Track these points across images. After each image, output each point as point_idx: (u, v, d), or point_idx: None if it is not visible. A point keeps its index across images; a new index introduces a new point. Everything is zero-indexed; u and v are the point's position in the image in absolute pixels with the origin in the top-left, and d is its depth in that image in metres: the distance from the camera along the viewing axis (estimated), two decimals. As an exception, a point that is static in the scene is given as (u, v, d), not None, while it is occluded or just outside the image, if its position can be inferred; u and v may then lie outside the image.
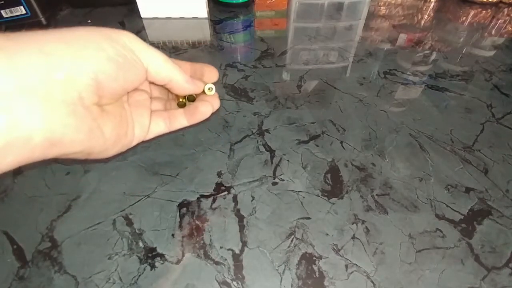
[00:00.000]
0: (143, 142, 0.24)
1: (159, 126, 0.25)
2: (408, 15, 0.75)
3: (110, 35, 0.18)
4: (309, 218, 0.33)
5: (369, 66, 0.56)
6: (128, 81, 0.19)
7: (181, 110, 0.26)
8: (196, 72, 0.27)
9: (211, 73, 0.28)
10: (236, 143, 0.41)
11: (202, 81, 0.26)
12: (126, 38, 0.18)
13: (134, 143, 0.23)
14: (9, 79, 0.13)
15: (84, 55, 0.16)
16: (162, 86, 0.24)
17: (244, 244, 0.31)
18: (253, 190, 0.35)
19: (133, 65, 0.19)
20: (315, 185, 0.36)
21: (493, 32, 0.69)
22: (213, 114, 0.26)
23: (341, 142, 0.41)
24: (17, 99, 0.14)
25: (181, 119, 0.25)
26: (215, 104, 0.27)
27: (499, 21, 0.74)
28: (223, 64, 0.55)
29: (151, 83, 0.25)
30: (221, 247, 0.30)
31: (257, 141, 0.41)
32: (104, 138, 0.19)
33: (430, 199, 0.35)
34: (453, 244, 0.31)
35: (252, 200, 0.34)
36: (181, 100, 0.26)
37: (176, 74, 0.22)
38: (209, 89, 0.26)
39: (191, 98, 0.26)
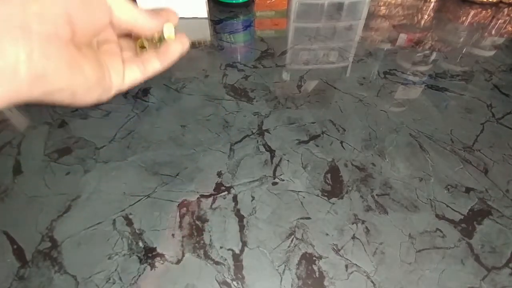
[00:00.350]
0: (120, 91, 0.24)
1: (134, 72, 0.25)
2: (408, 15, 0.75)
3: None
4: (309, 218, 0.33)
5: (369, 66, 0.56)
6: (95, 17, 0.19)
7: (152, 53, 0.25)
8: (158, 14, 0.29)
9: (171, 14, 0.30)
10: (236, 143, 0.41)
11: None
12: None
13: (113, 91, 0.23)
14: None
15: None
16: (125, 30, 0.24)
17: (244, 244, 0.31)
18: (253, 190, 0.35)
19: (100, 3, 0.19)
20: (315, 185, 0.36)
21: (493, 32, 0.69)
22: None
23: (341, 142, 0.41)
24: (1, 31, 0.14)
25: (154, 62, 0.25)
26: (184, 42, 0.26)
27: (499, 21, 0.74)
28: (223, 64, 0.55)
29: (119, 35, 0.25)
30: (221, 247, 0.30)
31: (257, 141, 0.41)
32: (85, 77, 0.19)
33: (430, 199, 0.35)
34: (453, 244, 0.31)
35: (252, 200, 0.34)
36: (141, 44, 0.26)
37: (140, 15, 0.22)
38: (167, 32, 0.25)
39: (159, 43, 0.26)
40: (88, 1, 0.18)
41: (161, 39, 0.26)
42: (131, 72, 0.24)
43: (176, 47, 0.25)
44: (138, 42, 0.26)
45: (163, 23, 0.24)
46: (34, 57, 0.15)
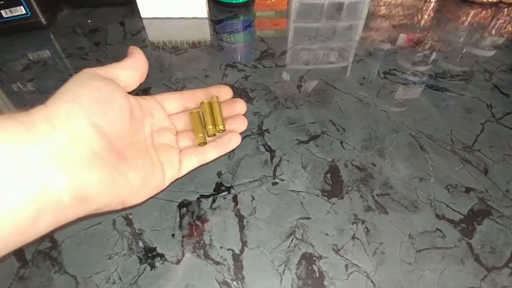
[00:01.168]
0: (178, 179, 0.25)
1: (192, 163, 0.26)
2: (408, 15, 0.75)
3: (80, 78, 0.19)
4: (309, 218, 0.33)
5: (369, 66, 0.56)
6: (118, 110, 0.19)
7: (211, 144, 0.27)
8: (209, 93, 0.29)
9: (224, 91, 0.30)
10: (236, 143, 0.41)
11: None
12: (91, 71, 0.20)
13: (167, 182, 0.24)
14: (34, 149, 0.15)
15: (73, 108, 0.17)
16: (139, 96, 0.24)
17: (244, 244, 0.31)
18: (253, 190, 0.35)
19: (113, 93, 0.19)
20: (315, 185, 0.36)
21: (493, 32, 0.69)
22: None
23: (341, 142, 0.41)
24: (42, 165, 0.15)
25: (212, 153, 0.27)
26: (241, 127, 0.28)
27: (499, 21, 0.74)
28: (223, 64, 0.55)
29: (169, 115, 0.27)
30: (221, 247, 0.30)
31: (257, 141, 0.41)
32: (130, 184, 0.19)
33: (430, 199, 0.35)
34: (453, 244, 0.31)
35: (252, 200, 0.34)
36: (202, 141, 0.27)
37: (116, 68, 0.22)
38: (221, 129, 0.28)
39: (211, 136, 0.28)
40: (104, 99, 0.19)
41: (221, 129, 0.28)
42: (189, 163, 0.26)
43: (236, 139, 0.27)
44: (199, 138, 0.27)
45: (142, 60, 0.24)
46: (76, 185, 0.16)
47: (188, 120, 0.29)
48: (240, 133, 0.29)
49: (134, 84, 0.23)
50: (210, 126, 0.28)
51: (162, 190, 0.24)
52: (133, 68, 0.22)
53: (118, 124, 0.19)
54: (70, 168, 0.16)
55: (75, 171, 0.16)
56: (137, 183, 0.20)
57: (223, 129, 0.28)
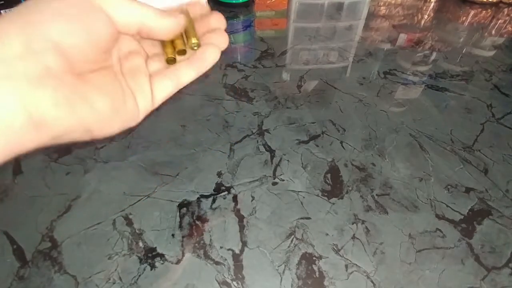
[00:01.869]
0: (155, 110, 0.22)
1: (166, 87, 0.22)
2: (408, 15, 0.75)
3: None
4: (309, 218, 0.33)
5: (369, 66, 0.56)
6: (92, 34, 0.17)
7: (184, 62, 0.22)
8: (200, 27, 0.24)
9: (218, 21, 0.24)
10: (236, 143, 0.41)
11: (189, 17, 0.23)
12: None
13: (142, 115, 0.21)
14: None
15: (31, 20, 0.15)
16: (141, 36, 0.21)
17: (244, 244, 0.31)
18: (253, 190, 0.35)
19: (92, 15, 0.17)
20: (315, 185, 0.36)
21: (493, 32, 0.69)
22: (223, 52, 0.22)
23: (341, 142, 0.41)
24: None
25: (188, 71, 0.22)
26: (222, 42, 0.23)
27: (499, 21, 0.74)
28: (223, 64, 0.55)
29: (139, 38, 0.22)
30: (221, 247, 0.30)
31: (257, 141, 0.41)
32: (96, 111, 0.17)
33: (430, 199, 0.35)
34: (453, 244, 0.31)
35: (252, 200, 0.34)
36: (169, 56, 0.22)
37: (145, 11, 0.19)
38: (194, 43, 0.22)
39: (181, 52, 0.22)
40: (77, 17, 0.16)
41: (194, 44, 0.22)
42: (163, 88, 0.22)
43: (213, 52, 0.22)
44: (167, 58, 0.22)
45: (182, 20, 0.21)
46: (27, 106, 0.14)
47: (159, 43, 0.24)
48: (222, 51, 0.24)
49: (125, 30, 0.19)
50: (179, 41, 0.23)
51: (138, 124, 0.21)
52: (139, 16, 0.19)
53: (86, 47, 0.17)
54: (19, 86, 0.14)
55: (26, 90, 0.14)
56: (104, 110, 0.17)
57: (196, 42, 0.23)
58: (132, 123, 0.20)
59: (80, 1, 0.17)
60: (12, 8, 0.59)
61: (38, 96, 0.14)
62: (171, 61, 0.23)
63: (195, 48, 0.23)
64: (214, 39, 0.23)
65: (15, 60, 0.14)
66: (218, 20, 0.25)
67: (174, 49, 0.23)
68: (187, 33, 0.23)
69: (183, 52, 0.23)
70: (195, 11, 0.25)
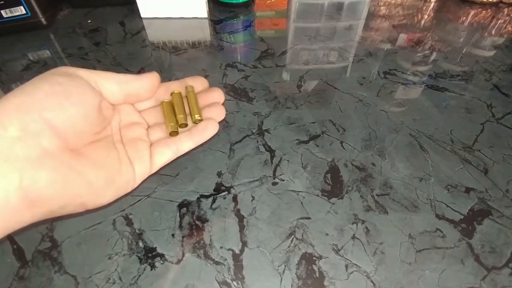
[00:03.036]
0: (152, 175, 0.23)
1: (165, 155, 0.24)
2: (408, 15, 0.75)
3: (46, 73, 0.18)
4: (309, 218, 0.33)
5: (369, 66, 0.56)
6: (81, 107, 0.18)
7: (185, 133, 0.25)
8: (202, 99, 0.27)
9: (198, 81, 0.28)
10: (236, 143, 0.41)
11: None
12: (65, 69, 0.18)
13: (138, 180, 0.22)
14: None
15: (26, 102, 0.16)
16: (128, 103, 0.23)
17: (244, 244, 0.31)
18: (253, 190, 0.35)
19: (78, 88, 0.18)
20: (315, 185, 0.36)
21: (493, 32, 0.69)
22: (219, 130, 0.25)
23: (341, 142, 0.41)
24: None
25: (188, 142, 0.25)
26: (220, 116, 0.26)
27: (499, 21, 0.74)
28: (223, 64, 0.55)
29: (139, 110, 0.24)
30: (221, 247, 0.30)
31: (257, 141, 0.41)
32: (89, 184, 0.17)
33: (430, 199, 0.35)
34: (453, 244, 0.31)
35: (252, 200, 0.34)
36: (173, 130, 0.25)
37: (123, 80, 0.21)
38: (197, 119, 0.25)
39: (183, 125, 0.25)
40: (64, 93, 0.17)
41: (197, 119, 0.25)
42: (162, 156, 0.24)
43: (211, 127, 0.25)
44: (170, 127, 0.24)
45: (154, 77, 0.23)
46: (24, 185, 0.15)
47: (159, 113, 0.26)
48: (219, 123, 0.26)
49: (114, 100, 0.21)
50: (182, 115, 0.25)
51: (135, 189, 0.22)
52: (119, 83, 0.20)
53: (79, 121, 0.17)
54: (18, 167, 0.14)
55: (24, 171, 0.15)
56: (98, 182, 0.18)
57: (199, 118, 0.25)
58: (128, 189, 0.21)
59: (67, 80, 0.18)
60: (12, 8, 0.59)
61: (36, 176, 0.15)
62: (174, 134, 0.25)
63: (197, 122, 0.25)
64: (214, 113, 0.26)
65: (13, 142, 0.15)
66: (218, 95, 0.27)
67: (177, 122, 0.25)
68: (191, 107, 0.26)
69: (185, 126, 0.25)
70: (197, 86, 0.27)
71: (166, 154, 0.24)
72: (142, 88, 0.22)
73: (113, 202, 0.20)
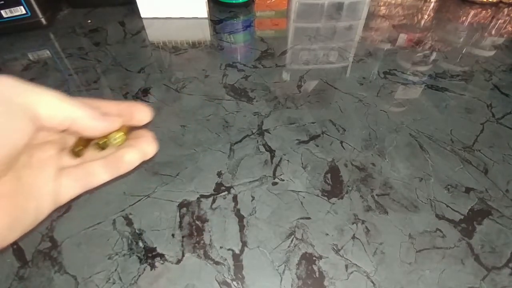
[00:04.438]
0: (59, 208, 0.19)
1: (72, 188, 0.19)
2: (408, 15, 0.75)
3: None
4: (309, 218, 0.33)
5: (369, 66, 0.56)
6: (7, 138, 0.15)
7: (99, 161, 0.20)
8: (122, 113, 0.21)
9: (142, 114, 0.21)
10: (236, 143, 0.41)
11: (125, 120, 0.20)
12: (7, 89, 0.15)
13: (45, 214, 0.18)
14: None
15: None
16: (67, 131, 0.18)
17: (244, 244, 0.31)
18: (253, 190, 0.35)
19: (9, 114, 0.15)
20: (315, 185, 0.36)
21: (493, 32, 0.69)
22: (145, 162, 0.20)
23: (341, 142, 0.41)
24: None
25: (100, 174, 0.20)
26: (148, 148, 0.20)
27: (499, 21, 0.74)
28: (223, 64, 0.55)
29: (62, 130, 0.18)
30: (221, 247, 0.30)
31: (257, 141, 0.41)
32: None
33: (430, 199, 0.35)
34: (453, 244, 0.31)
35: (252, 200, 0.34)
36: (75, 148, 0.19)
37: (77, 111, 0.17)
38: (115, 139, 0.19)
39: (104, 145, 0.20)
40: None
41: (106, 144, 0.19)
42: (69, 188, 0.19)
43: (132, 157, 0.20)
44: (72, 149, 0.19)
45: (117, 125, 0.19)
46: None
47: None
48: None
49: (58, 128, 0.17)
50: (97, 141, 0.20)
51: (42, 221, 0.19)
52: (73, 115, 0.17)
53: (4, 151, 0.14)
54: None
55: None
56: (2, 228, 0.15)
57: (119, 141, 0.20)
58: (33, 224, 0.18)
59: (5, 110, 0.14)
60: (12, 8, 0.58)
61: None
62: (79, 153, 0.20)
63: (115, 142, 0.20)
64: (140, 144, 0.20)
65: None
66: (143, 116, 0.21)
67: (87, 142, 0.20)
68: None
69: (101, 149, 0.20)
70: (135, 120, 0.21)
71: (72, 187, 0.19)
72: (93, 130, 0.18)
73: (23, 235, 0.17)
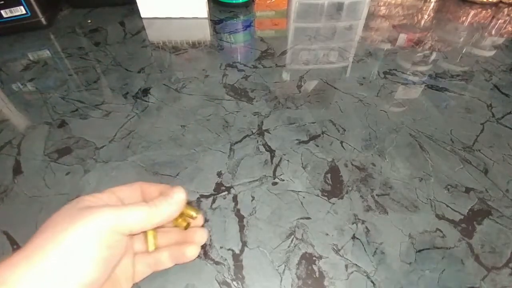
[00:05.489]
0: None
1: (144, 273, 0.24)
2: (408, 15, 0.75)
3: (89, 227, 0.18)
4: (309, 218, 0.33)
5: (369, 66, 0.56)
6: (115, 262, 0.19)
7: (166, 252, 0.24)
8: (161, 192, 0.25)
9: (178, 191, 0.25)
10: (236, 143, 0.41)
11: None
12: (109, 218, 0.18)
13: None
14: None
15: (66, 269, 0.17)
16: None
17: (244, 244, 0.31)
18: (253, 190, 0.35)
19: (118, 246, 0.19)
20: (315, 185, 0.36)
21: (493, 32, 0.69)
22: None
23: (341, 142, 0.41)
24: None
25: (166, 263, 0.24)
26: (202, 239, 0.25)
27: (499, 21, 0.74)
28: (223, 64, 0.55)
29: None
30: (221, 247, 0.30)
31: (257, 141, 0.41)
32: None
33: (430, 199, 0.35)
34: (453, 244, 0.31)
35: (252, 200, 0.34)
36: (183, 224, 0.25)
37: (158, 217, 0.21)
38: (192, 213, 0.25)
39: (186, 226, 0.25)
40: (108, 258, 0.18)
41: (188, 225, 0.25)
42: (142, 272, 0.24)
43: (192, 252, 0.24)
44: (149, 239, 0.24)
45: (178, 206, 0.22)
46: None
47: None
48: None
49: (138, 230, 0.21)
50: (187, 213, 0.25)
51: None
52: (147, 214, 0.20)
53: (108, 275, 0.19)
54: None
55: None
56: None
57: (194, 216, 0.25)
58: None
59: (114, 245, 0.19)
60: (12, 8, 0.58)
61: None
62: (188, 226, 0.25)
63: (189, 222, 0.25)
64: (197, 236, 0.25)
65: None
66: (202, 235, 0.26)
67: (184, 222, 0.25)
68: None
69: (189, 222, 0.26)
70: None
71: (144, 270, 0.24)
72: (165, 222, 0.22)
73: None
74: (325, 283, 0.28)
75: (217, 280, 0.28)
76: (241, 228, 0.32)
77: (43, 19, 0.62)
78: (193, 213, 0.25)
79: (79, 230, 0.17)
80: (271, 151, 0.40)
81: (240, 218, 0.33)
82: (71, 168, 0.38)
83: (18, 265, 0.16)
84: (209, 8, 0.72)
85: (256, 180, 0.36)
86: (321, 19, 0.72)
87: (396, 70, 0.55)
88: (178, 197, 0.22)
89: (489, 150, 0.41)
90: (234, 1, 0.73)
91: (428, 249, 0.31)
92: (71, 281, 0.16)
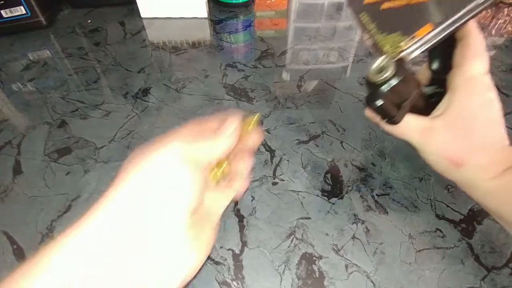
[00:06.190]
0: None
1: (224, 203, 0.23)
2: (408, 15, 0.75)
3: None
4: (309, 218, 0.33)
5: (369, 66, 0.56)
6: (202, 186, 0.19)
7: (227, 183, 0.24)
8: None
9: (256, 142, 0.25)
10: (236, 143, 0.41)
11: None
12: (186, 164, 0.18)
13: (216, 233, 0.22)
14: None
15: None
16: None
17: (244, 244, 0.31)
18: (253, 190, 0.35)
19: (197, 172, 0.19)
20: (315, 185, 0.36)
21: (493, 32, 0.69)
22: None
23: (341, 142, 0.41)
24: None
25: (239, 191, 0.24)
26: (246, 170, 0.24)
27: (499, 21, 0.74)
28: (223, 64, 0.55)
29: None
30: (221, 247, 0.30)
31: (257, 141, 0.41)
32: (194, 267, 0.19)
33: (430, 199, 0.35)
34: (453, 244, 0.31)
35: (252, 200, 0.34)
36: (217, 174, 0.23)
37: (222, 145, 0.20)
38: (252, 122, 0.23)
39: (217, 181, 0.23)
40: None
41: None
42: (222, 205, 0.23)
43: (237, 185, 0.23)
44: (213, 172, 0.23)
45: (233, 138, 0.21)
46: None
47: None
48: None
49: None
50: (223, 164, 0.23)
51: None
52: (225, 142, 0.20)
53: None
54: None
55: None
56: (198, 264, 0.19)
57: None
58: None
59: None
60: (12, 8, 0.58)
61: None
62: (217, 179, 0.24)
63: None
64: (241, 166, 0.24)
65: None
66: (255, 141, 0.25)
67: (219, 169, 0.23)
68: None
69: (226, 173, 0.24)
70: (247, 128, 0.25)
71: (225, 203, 0.23)
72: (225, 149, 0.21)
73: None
74: (325, 283, 0.28)
75: (217, 280, 0.28)
76: (241, 228, 0.32)
77: (43, 19, 0.62)
78: (249, 127, 0.23)
79: (162, 158, 0.18)
80: (271, 151, 0.40)
81: (240, 218, 0.33)
82: (71, 168, 0.38)
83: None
84: (209, 8, 0.72)
85: (256, 180, 0.36)
86: (321, 19, 0.72)
87: (396, 70, 0.55)
88: (230, 128, 0.21)
89: (489, 150, 0.41)
90: (234, 1, 0.73)
91: (428, 249, 0.31)
92: (179, 208, 0.17)
